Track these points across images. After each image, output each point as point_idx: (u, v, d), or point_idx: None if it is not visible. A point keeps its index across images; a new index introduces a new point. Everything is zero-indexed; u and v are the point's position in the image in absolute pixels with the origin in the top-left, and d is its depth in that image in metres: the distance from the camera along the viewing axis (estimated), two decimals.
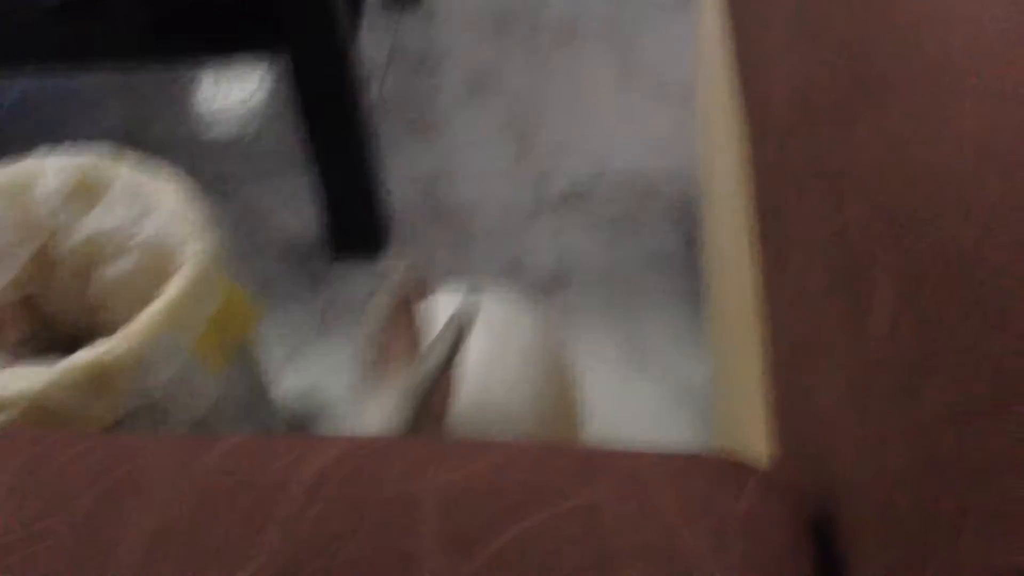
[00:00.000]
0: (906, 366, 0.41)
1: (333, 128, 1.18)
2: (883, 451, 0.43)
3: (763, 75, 0.72)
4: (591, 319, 1.21)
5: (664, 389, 1.13)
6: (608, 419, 1.09)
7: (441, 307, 0.86)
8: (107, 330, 0.98)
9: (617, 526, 0.43)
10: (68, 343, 1.01)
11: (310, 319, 1.25)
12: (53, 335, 0.99)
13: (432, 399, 0.69)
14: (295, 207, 1.39)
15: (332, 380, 1.18)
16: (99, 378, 0.76)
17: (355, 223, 1.28)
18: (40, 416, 0.75)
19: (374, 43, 1.65)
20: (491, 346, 0.86)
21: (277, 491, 0.45)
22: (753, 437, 0.72)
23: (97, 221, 0.92)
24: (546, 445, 0.48)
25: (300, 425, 1.13)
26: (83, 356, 0.76)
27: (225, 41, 1.15)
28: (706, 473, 0.47)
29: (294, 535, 0.43)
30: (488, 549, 0.42)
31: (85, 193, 0.93)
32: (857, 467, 0.46)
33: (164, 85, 1.63)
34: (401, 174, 1.42)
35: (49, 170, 0.93)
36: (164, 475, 0.46)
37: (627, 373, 1.15)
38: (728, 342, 0.87)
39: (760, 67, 0.74)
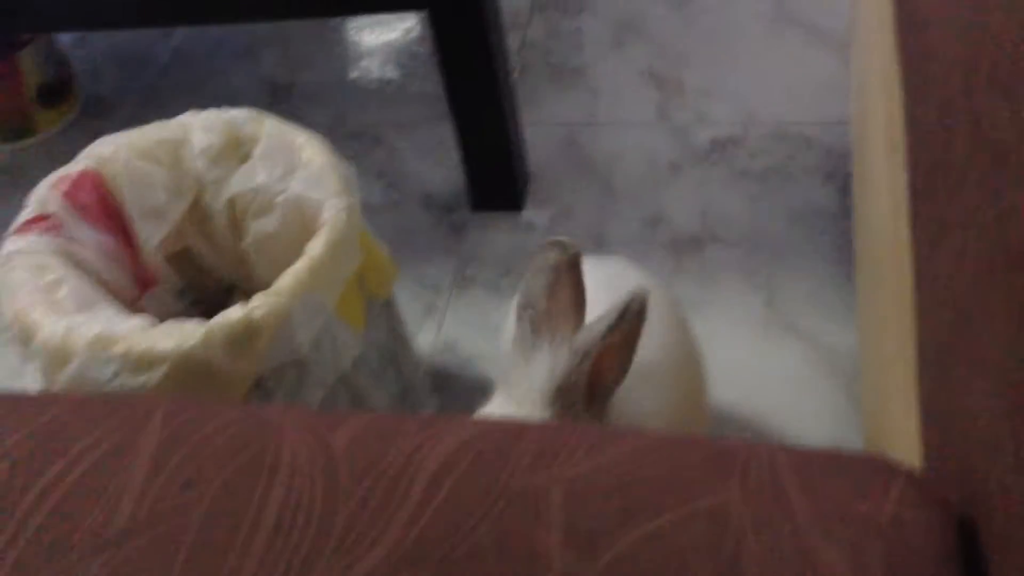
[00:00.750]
0: None
1: (473, 81, 1.18)
2: None
3: (926, 32, 0.67)
4: (733, 278, 1.18)
5: (807, 355, 1.09)
6: (748, 383, 1.07)
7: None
8: (255, 283, 1.02)
9: (748, 531, 0.41)
10: (221, 292, 1.05)
11: (450, 270, 1.26)
12: (208, 284, 1.03)
13: (596, 365, 0.68)
14: (438, 156, 1.40)
15: (471, 333, 1.19)
16: (246, 335, 0.78)
17: (495, 175, 1.28)
18: (190, 370, 0.78)
19: None
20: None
21: (403, 477, 0.45)
22: (901, 422, 0.68)
23: (244, 178, 0.94)
24: (677, 437, 0.47)
25: (441, 379, 1.14)
26: (232, 314, 0.79)
27: None
28: (847, 474, 0.45)
29: (419, 522, 0.43)
30: (614, 548, 0.41)
31: (234, 150, 0.95)
32: (1011, 473, 0.43)
33: (314, 33, 1.66)
34: (543, 123, 1.40)
35: (200, 127, 0.95)
36: (297, 453, 0.47)
37: (769, 336, 1.11)
38: (877, 316, 0.82)
39: (923, 23, 0.69)
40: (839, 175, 1.26)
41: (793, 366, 1.08)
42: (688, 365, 0.88)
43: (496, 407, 0.72)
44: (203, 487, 0.45)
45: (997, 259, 0.47)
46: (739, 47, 1.45)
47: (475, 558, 0.41)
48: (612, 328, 0.67)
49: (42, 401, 0.51)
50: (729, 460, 0.45)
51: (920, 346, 0.60)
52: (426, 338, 1.18)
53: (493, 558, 0.41)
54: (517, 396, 0.70)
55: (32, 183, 1.52)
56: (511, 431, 0.48)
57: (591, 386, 0.69)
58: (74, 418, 0.49)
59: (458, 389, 1.14)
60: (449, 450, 0.46)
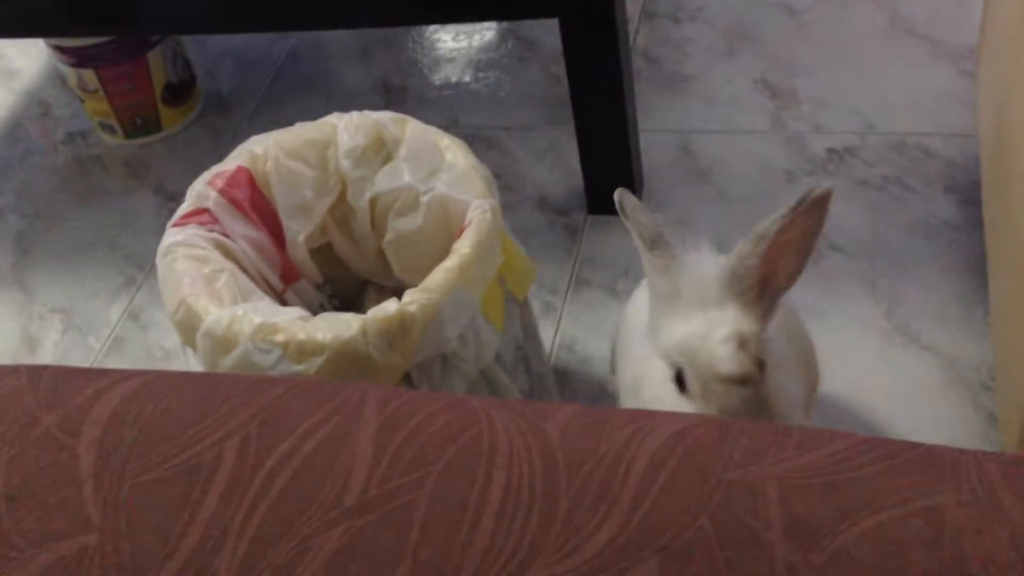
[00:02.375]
0: None
1: (599, 86, 1.19)
2: None
3: None
4: (853, 288, 1.18)
5: (931, 366, 1.09)
6: (872, 392, 1.07)
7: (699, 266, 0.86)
8: (391, 279, 1.05)
9: (967, 532, 0.42)
10: (356, 287, 1.09)
11: (566, 271, 1.28)
12: (344, 279, 1.06)
13: (772, 253, 0.70)
14: (551, 160, 1.42)
15: (588, 334, 1.21)
16: (401, 328, 0.81)
17: (612, 179, 1.29)
18: (347, 361, 0.81)
19: None
20: None
21: (618, 466, 0.47)
22: None
23: (388, 178, 0.97)
24: (883, 440, 0.48)
25: (560, 378, 1.16)
26: (387, 308, 0.81)
27: (499, 5, 1.18)
28: None
29: (639, 510, 0.45)
30: (835, 542, 0.43)
31: (377, 150, 0.98)
32: None
33: (422, 36, 1.69)
34: (655, 130, 1.42)
35: (345, 128, 0.98)
36: (512, 440, 0.49)
37: (892, 345, 1.11)
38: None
39: None
40: (960, 187, 1.25)
41: (917, 376, 1.08)
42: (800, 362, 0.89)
43: (673, 322, 0.73)
44: (426, 469, 0.47)
45: None
46: (854, 58, 1.45)
47: (698, 546, 0.43)
48: (790, 213, 0.68)
49: (261, 383, 0.54)
50: (938, 463, 0.46)
51: None
52: (544, 337, 1.20)
53: (716, 547, 0.43)
54: (690, 300, 0.72)
55: (154, 177, 1.57)
56: (717, 426, 0.49)
57: (764, 277, 0.71)
58: (293, 400, 0.52)
59: (577, 388, 1.16)
60: (659, 442, 0.48)
